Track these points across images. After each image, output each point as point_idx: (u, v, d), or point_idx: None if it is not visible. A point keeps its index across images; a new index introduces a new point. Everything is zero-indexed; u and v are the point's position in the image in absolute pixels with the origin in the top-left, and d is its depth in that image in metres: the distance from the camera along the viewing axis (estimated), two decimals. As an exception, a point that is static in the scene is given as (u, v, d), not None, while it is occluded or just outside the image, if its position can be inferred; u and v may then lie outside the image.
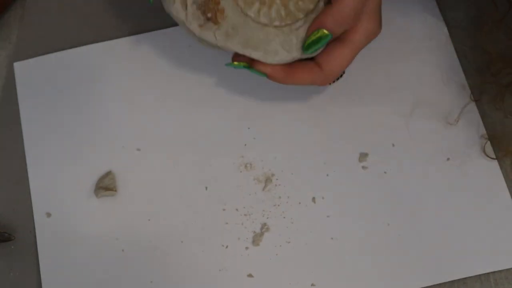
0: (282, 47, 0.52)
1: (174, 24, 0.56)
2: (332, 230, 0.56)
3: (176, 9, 0.52)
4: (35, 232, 0.57)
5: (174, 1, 0.52)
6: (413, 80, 0.60)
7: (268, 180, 0.57)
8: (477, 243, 0.54)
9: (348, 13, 0.50)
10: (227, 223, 0.56)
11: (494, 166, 0.57)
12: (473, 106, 0.59)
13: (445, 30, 0.61)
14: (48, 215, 0.57)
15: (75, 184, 0.58)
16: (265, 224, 0.56)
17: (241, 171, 0.58)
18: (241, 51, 0.52)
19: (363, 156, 0.57)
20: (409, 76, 0.60)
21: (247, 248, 0.56)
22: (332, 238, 0.55)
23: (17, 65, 0.62)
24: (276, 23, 0.52)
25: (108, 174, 0.58)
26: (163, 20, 0.60)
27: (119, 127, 0.60)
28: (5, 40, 0.64)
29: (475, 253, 0.54)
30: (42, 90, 0.61)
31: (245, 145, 0.58)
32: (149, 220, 0.57)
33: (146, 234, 0.56)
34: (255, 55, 0.52)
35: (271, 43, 0.52)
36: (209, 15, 0.51)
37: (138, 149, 0.59)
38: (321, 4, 0.52)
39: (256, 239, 0.56)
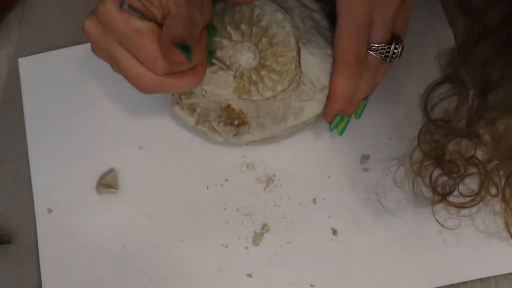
0: (300, 101, 0.54)
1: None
2: (332, 232, 0.56)
3: (211, 136, 0.56)
4: (35, 232, 0.57)
5: (206, 133, 0.56)
6: (416, 81, 0.59)
7: (269, 180, 0.57)
8: (478, 247, 0.54)
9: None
10: (227, 223, 0.56)
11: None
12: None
13: (452, 37, 0.61)
14: (49, 211, 0.58)
15: (77, 181, 0.58)
16: (265, 224, 0.56)
17: (242, 171, 0.58)
18: (277, 130, 0.55)
19: (364, 158, 0.57)
20: (412, 77, 0.59)
21: (247, 248, 0.56)
22: (332, 240, 0.55)
23: (21, 61, 0.62)
24: (279, 88, 0.54)
25: (110, 171, 0.58)
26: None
27: (122, 124, 0.60)
28: (6, 40, 0.64)
29: (476, 257, 0.54)
30: (46, 87, 0.61)
31: (247, 145, 0.58)
32: (150, 218, 0.57)
33: (147, 232, 0.57)
34: (290, 122, 0.55)
35: (291, 103, 0.54)
36: (236, 122, 0.55)
37: (141, 147, 0.59)
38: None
39: (256, 239, 0.56)
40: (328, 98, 0.54)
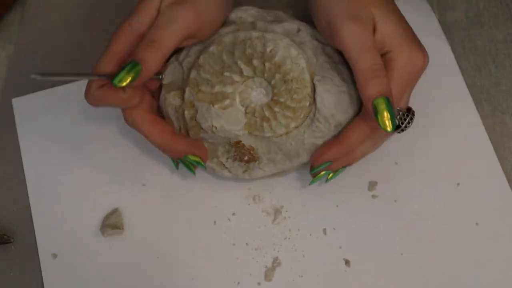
0: (314, 138, 0.53)
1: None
2: (345, 262, 0.55)
3: (219, 172, 0.56)
4: (34, 233, 0.57)
5: (215, 169, 0.56)
6: (420, 104, 0.59)
7: (277, 212, 0.57)
8: (494, 272, 0.54)
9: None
10: (237, 258, 0.56)
11: (505, 186, 0.56)
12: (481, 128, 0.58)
13: (450, 53, 0.60)
14: (54, 256, 0.56)
15: (80, 223, 0.57)
16: (276, 258, 0.55)
17: (249, 204, 0.57)
18: (289, 166, 0.54)
19: (372, 184, 0.57)
20: (415, 100, 0.59)
21: (259, 283, 0.55)
22: (345, 270, 0.55)
23: (15, 101, 0.61)
24: (293, 124, 0.53)
25: (115, 211, 0.57)
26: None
27: (123, 162, 0.59)
28: (5, 40, 0.64)
29: (491, 282, 0.54)
30: (42, 126, 0.60)
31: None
32: (158, 257, 0.56)
33: (156, 272, 0.56)
34: (303, 159, 0.54)
35: (305, 140, 0.53)
36: (245, 158, 0.54)
37: (144, 184, 0.58)
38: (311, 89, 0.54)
39: (268, 274, 0.55)
40: (332, 143, 0.52)
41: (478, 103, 0.59)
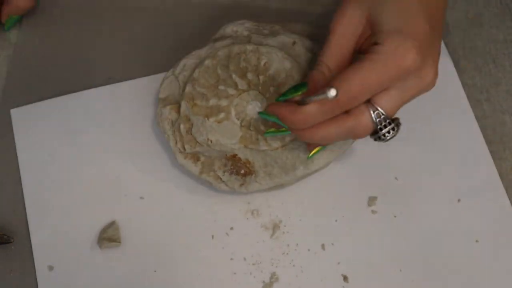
0: (310, 151, 0.53)
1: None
2: (343, 278, 0.54)
3: (216, 185, 0.55)
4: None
5: (211, 182, 0.55)
6: (420, 119, 0.58)
7: (275, 227, 0.56)
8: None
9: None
10: (235, 273, 0.55)
11: (506, 204, 0.56)
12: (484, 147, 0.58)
13: (451, 65, 0.60)
14: (50, 268, 0.56)
15: (77, 235, 0.57)
16: (274, 273, 0.55)
17: (247, 218, 0.57)
18: (285, 179, 0.54)
19: (372, 200, 0.56)
20: (416, 114, 0.59)
21: (256, 299, 0.54)
22: (343, 287, 0.54)
23: (14, 112, 0.61)
24: (288, 138, 0.53)
25: (112, 224, 0.57)
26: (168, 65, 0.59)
27: (121, 174, 0.58)
28: (5, 40, 0.64)
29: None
30: (40, 137, 0.60)
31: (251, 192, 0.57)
32: (155, 271, 0.55)
33: (153, 285, 0.55)
34: (299, 172, 0.54)
35: (301, 153, 0.53)
36: (242, 171, 0.54)
37: (142, 197, 0.58)
38: None
39: (266, 290, 0.54)
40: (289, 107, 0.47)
41: (478, 103, 0.59)
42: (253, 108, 0.54)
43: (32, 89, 0.61)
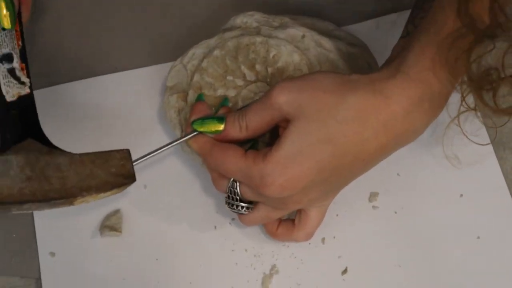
0: None
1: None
2: (343, 271, 0.55)
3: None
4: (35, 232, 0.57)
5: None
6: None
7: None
8: (494, 286, 0.54)
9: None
10: (236, 264, 0.56)
11: (508, 199, 0.56)
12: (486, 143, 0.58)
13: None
14: (52, 254, 0.56)
15: (80, 223, 0.57)
16: (274, 265, 0.55)
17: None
18: None
19: (373, 195, 0.57)
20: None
21: (256, 290, 0.55)
22: (344, 280, 0.55)
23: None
24: None
25: (116, 212, 0.57)
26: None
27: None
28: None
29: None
30: (47, 123, 0.59)
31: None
32: (156, 259, 0.56)
33: (154, 273, 0.56)
34: None
35: None
36: None
37: (145, 186, 0.58)
38: None
39: (266, 281, 0.55)
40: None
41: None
42: None
43: (39, 75, 0.61)
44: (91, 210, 0.57)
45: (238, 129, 0.49)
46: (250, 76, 0.54)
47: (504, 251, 0.55)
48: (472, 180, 0.57)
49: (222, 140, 0.50)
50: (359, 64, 0.55)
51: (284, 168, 0.45)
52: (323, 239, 0.56)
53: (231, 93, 0.54)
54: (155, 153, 0.50)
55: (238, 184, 0.49)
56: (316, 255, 0.55)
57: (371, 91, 0.45)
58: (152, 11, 0.63)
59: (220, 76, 0.55)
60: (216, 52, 0.55)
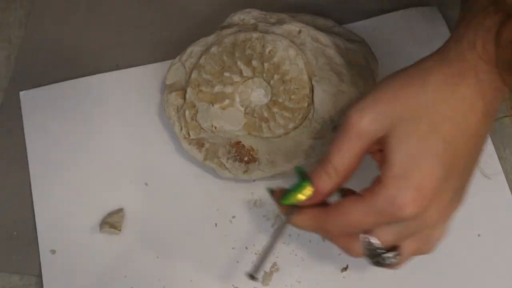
0: (312, 139, 0.53)
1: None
2: (344, 268, 0.55)
3: (220, 172, 0.55)
4: (36, 229, 0.57)
5: (215, 169, 0.55)
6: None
7: (277, 217, 0.56)
8: (496, 285, 0.54)
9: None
10: (237, 262, 0.56)
11: (508, 197, 0.56)
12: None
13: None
14: (53, 252, 0.56)
15: (81, 220, 0.57)
16: (275, 263, 0.55)
17: (250, 208, 0.57)
18: (288, 167, 0.54)
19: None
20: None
21: (256, 288, 0.55)
22: (344, 277, 0.55)
23: (23, 94, 0.61)
24: (291, 125, 0.54)
25: (119, 211, 0.57)
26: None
27: (126, 160, 0.59)
28: (5, 40, 0.64)
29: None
30: (48, 120, 0.60)
31: (254, 181, 0.57)
32: (157, 257, 0.56)
33: (155, 272, 0.56)
34: (302, 161, 0.54)
35: (303, 141, 0.53)
36: (245, 159, 0.54)
37: (146, 184, 0.58)
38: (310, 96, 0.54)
39: (266, 279, 0.55)
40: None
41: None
42: (257, 95, 0.55)
43: (41, 73, 0.62)
44: (93, 208, 0.57)
45: (327, 179, 0.44)
46: (246, 72, 0.55)
47: (504, 249, 0.55)
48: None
49: (318, 201, 0.45)
50: (357, 59, 0.55)
51: (406, 181, 0.41)
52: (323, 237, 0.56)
53: (229, 89, 0.54)
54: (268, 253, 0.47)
55: (370, 237, 0.44)
56: (316, 253, 0.55)
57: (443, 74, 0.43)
58: (152, 9, 0.64)
59: (217, 72, 0.55)
60: (213, 49, 0.55)
